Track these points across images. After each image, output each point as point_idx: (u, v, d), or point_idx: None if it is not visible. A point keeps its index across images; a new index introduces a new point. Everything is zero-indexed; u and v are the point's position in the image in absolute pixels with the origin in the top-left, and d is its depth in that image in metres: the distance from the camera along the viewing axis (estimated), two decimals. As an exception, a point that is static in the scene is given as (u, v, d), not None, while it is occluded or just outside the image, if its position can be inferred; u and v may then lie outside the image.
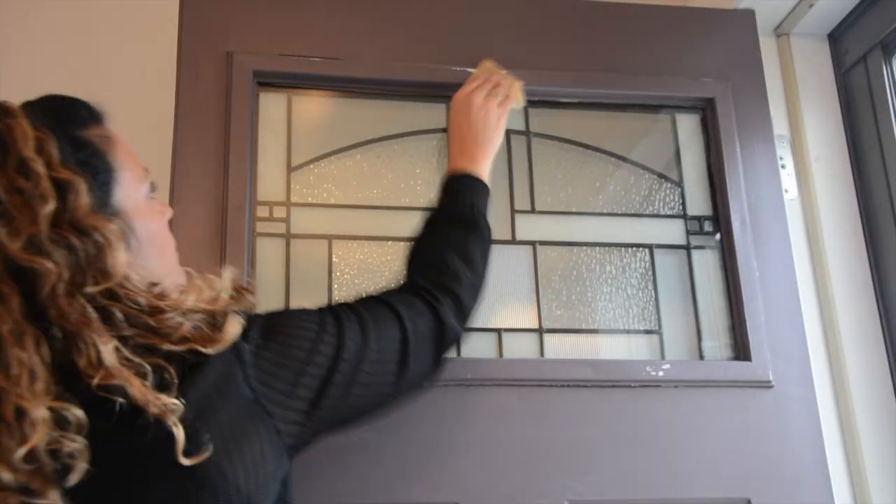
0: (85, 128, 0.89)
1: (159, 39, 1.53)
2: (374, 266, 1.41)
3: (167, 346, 0.81)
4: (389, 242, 1.43)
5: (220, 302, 0.88)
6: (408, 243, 1.42)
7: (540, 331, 1.43)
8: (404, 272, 1.16)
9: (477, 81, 1.35)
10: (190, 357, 0.82)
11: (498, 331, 1.41)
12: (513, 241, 1.46)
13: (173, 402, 0.78)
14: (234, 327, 0.86)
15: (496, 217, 1.45)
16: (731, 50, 1.60)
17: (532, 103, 1.52)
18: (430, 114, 1.50)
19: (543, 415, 1.34)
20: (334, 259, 1.40)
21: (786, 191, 1.61)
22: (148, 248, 0.91)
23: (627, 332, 1.46)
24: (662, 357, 1.45)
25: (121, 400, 0.76)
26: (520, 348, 1.41)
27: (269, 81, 1.44)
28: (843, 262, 1.58)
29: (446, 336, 1.08)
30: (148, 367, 0.79)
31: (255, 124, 1.40)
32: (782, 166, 1.64)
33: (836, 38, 1.72)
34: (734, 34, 1.62)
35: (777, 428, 1.38)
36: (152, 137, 1.47)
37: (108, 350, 0.77)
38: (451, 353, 1.14)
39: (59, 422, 0.75)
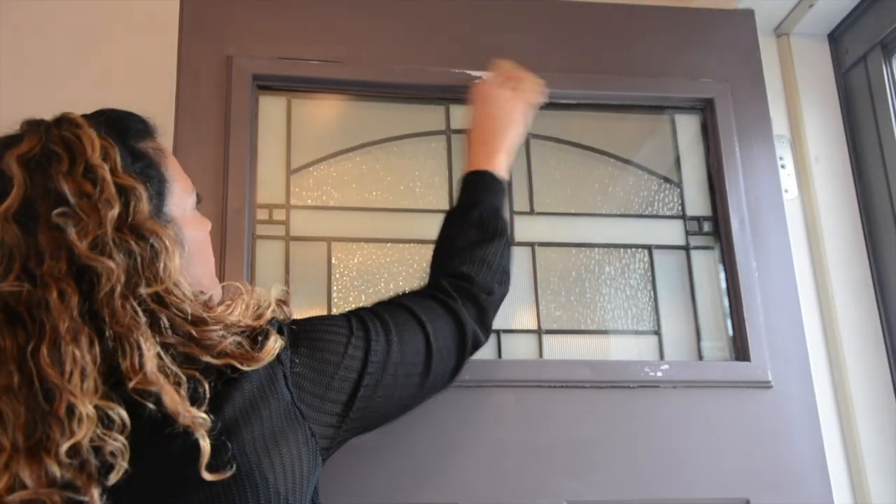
0: (141, 140, 0.93)
1: (159, 43, 1.54)
2: (373, 268, 1.42)
3: (206, 359, 0.83)
4: (389, 244, 1.44)
5: (264, 319, 0.90)
6: (407, 245, 1.44)
7: (539, 332, 1.43)
8: (428, 272, 1.19)
9: (501, 76, 1.35)
10: (227, 371, 0.85)
11: (497, 332, 1.41)
12: (511, 243, 1.46)
13: (202, 417, 0.80)
14: (272, 346, 0.88)
15: (495, 218, 1.47)
16: (730, 50, 1.60)
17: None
18: (429, 116, 1.50)
19: (542, 416, 1.34)
20: (333, 261, 1.41)
21: (786, 191, 1.61)
22: (193, 256, 0.94)
23: (627, 332, 1.47)
24: (662, 357, 1.45)
25: (151, 406, 0.79)
26: (519, 349, 1.42)
27: (268, 85, 1.45)
28: (843, 262, 1.58)
29: (467, 339, 1.10)
30: (184, 378, 0.81)
31: (254, 127, 1.42)
32: (782, 166, 1.64)
33: (836, 38, 1.72)
34: (734, 34, 1.62)
35: (776, 428, 1.38)
36: (153, 141, 1.48)
37: (150, 355, 0.79)
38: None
39: (104, 420, 0.77)
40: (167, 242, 0.85)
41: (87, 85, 1.59)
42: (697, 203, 1.55)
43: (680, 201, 1.55)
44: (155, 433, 0.80)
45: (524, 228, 1.48)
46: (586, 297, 1.47)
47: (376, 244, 1.43)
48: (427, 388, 1.06)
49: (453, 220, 1.21)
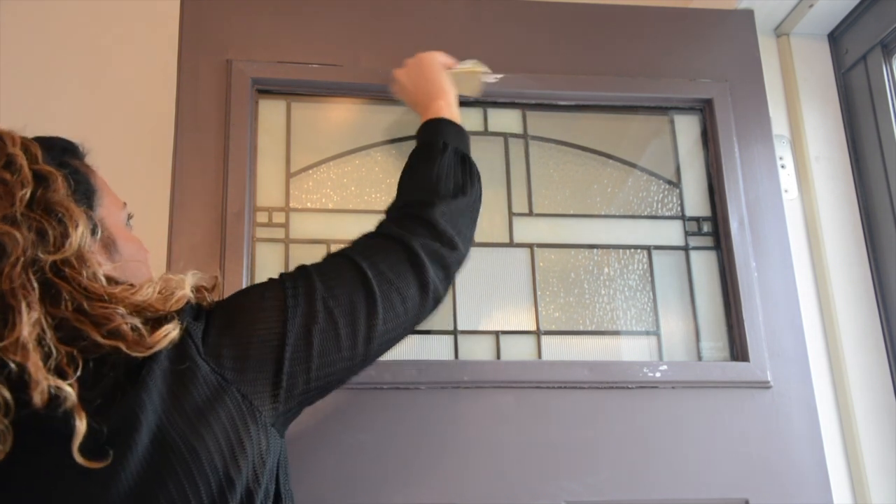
0: (68, 156, 0.95)
1: (159, 48, 1.56)
2: (372, 270, 1.43)
3: (95, 336, 0.80)
4: (388, 246, 1.44)
5: (173, 303, 0.87)
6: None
7: (538, 333, 1.44)
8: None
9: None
10: (111, 355, 0.81)
11: (496, 333, 1.42)
12: (511, 244, 1.47)
13: (65, 388, 0.77)
14: (163, 333, 0.84)
15: (494, 220, 1.47)
16: (730, 50, 1.60)
17: (529, 106, 1.54)
18: (428, 118, 1.51)
19: (541, 416, 1.35)
20: (333, 263, 1.41)
21: (786, 191, 1.61)
22: (128, 266, 0.95)
23: (626, 333, 1.47)
24: (661, 358, 1.45)
25: (13, 366, 0.76)
26: (518, 350, 1.42)
27: (268, 88, 1.46)
28: (843, 262, 1.58)
29: (421, 259, 1.02)
30: (54, 350, 0.78)
31: (254, 130, 1.43)
32: (782, 166, 1.64)
33: (836, 38, 1.72)
34: (733, 34, 1.62)
35: (775, 428, 1.39)
36: (153, 144, 1.50)
37: (28, 321, 0.77)
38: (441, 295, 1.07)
39: None
40: (75, 216, 0.85)
41: (88, 87, 1.60)
42: (697, 203, 1.55)
43: (679, 202, 1.55)
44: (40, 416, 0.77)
45: (523, 230, 1.48)
46: (585, 298, 1.47)
47: (375, 246, 1.44)
48: (384, 319, 0.97)
49: (407, 165, 1.19)
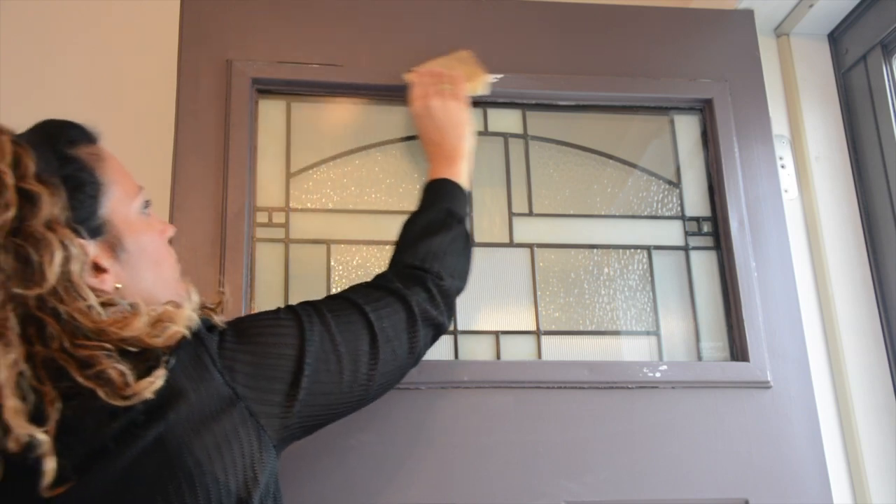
0: (74, 146, 0.92)
1: (159, 47, 1.56)
2: (372, 270, 1.43)
3: (78, 378, 0.78)
4: (388, 247, 1.42)
5: (165, 338, 0.84)
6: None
7: (538, 333, 1.44)
8: None
9: (423, 84, 1.37)
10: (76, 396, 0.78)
11: (496, 333, 1.42)
12: (511, 244, 1.47)
13: (39, 437, 0.75)
14: (146, 384, 0.80)
15: (494, 220, 1.47)
16: (730, 50, 1.60)
17: (529, 106, 1.54)
18: (428, 118, 1.51)
19: (541, 416, 1.35)
20: (332, 263, 1.42)
21: (785, 191, 1.61)
22: (139, 260, 0.93)
23: (626, 333, 1.47)
24: (660, 358, 1.45)
25: None
26: (517, 350, 1.42)
27: (268, 88, 1.46)
28: (843, 262, 1.58)
29: (416, 317, 1.08)
30: (32, 393, 0.76)
31: (254, 130, 1.43)
32: (782, 166, 1.64)
33: (836, 38, 1.72)
34: (733, 34, 1.62)
35: (775, 428, 1.39)
36: (153, 144, 1.50)
37: (5, 363, 0.75)
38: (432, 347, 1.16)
39: None
40: (54, 245, 0.80)
41: (87, 87, 1.60)
42: (697, 203, 1.55)
43: (679, 202, 1.55)
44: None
45: (523, 230, 1.48)
46: (585, 298, 1.47)
47: (376, 246, 1.44)
48: (380, 373, 1.03)
49: (407, 222, 1.22)
